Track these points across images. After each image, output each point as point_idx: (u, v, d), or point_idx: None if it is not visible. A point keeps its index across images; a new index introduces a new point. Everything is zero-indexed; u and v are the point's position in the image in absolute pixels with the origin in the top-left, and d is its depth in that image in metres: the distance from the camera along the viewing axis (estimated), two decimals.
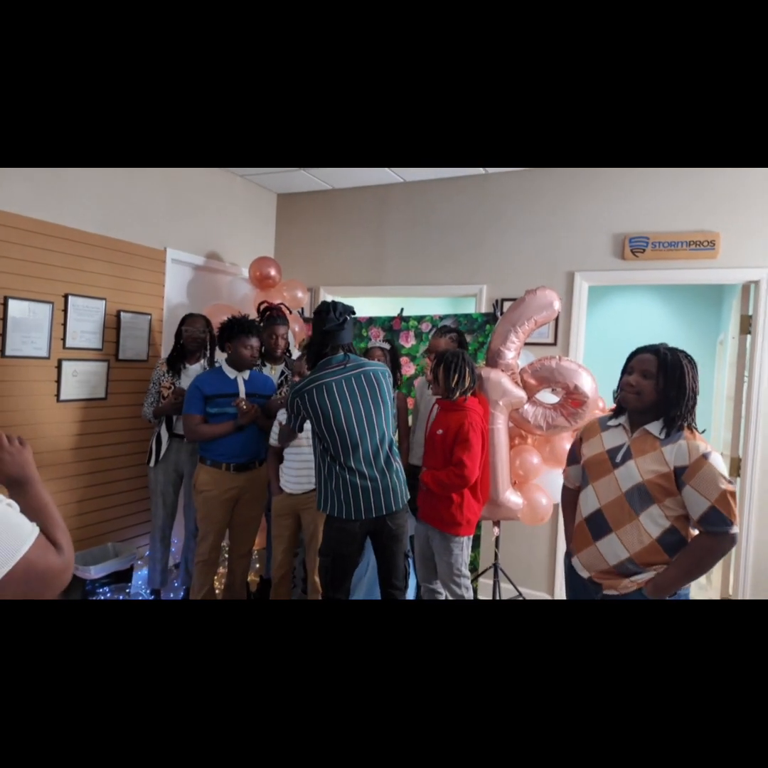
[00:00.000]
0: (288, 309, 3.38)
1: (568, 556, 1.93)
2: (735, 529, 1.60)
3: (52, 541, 0.97)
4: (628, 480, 1.69)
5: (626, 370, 1.78)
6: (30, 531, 0.92)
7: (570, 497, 2.00)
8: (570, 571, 1.92)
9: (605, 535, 1.74)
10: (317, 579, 2.69)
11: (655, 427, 1.70)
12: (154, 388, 3.09)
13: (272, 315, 3.26)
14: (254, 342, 2.83)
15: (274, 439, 2.79)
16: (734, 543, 1.62)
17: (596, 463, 1.81)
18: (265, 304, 3.32)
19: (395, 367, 3.02)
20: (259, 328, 2.95)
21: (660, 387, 1.68)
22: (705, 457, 1.61)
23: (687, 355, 1.70)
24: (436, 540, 2.51)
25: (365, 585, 2.78)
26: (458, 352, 2.54)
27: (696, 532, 1.68)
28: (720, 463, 1.62)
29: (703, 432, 1.72)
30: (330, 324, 2.21)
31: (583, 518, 1.82)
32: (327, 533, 2.29)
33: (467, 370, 2.45)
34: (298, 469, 2.74)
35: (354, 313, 2.30)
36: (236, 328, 2.81)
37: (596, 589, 1.79)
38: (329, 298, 4.25)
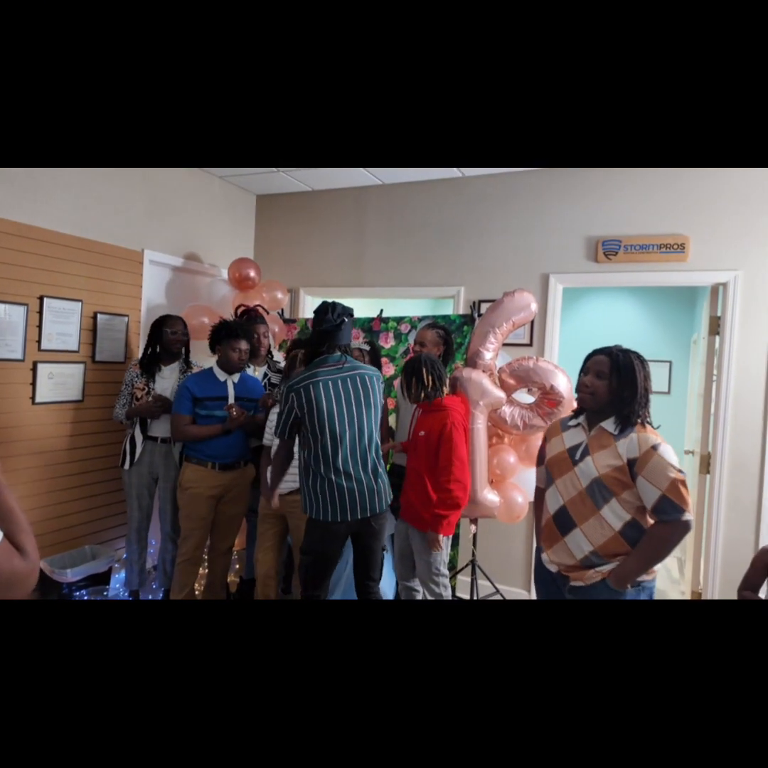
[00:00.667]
0: (265, 310, 3.39)
1: (539, 551, 2.00)
2: (688, 517, 1.67)
3: (16, 546, 0.97)
4: (587, 475, 1.78)
5: (582, 372, 1.87)
6: None
7: (541, 497, 2.06)
8: (539, 566, 1.98)
9: (571, 531, 1.81)
10: None
11: (609, 424, 1.79)
12: (126, 390, 3.07)
13: (250, 316, 3.27)
14: (243, 345, 2.88)
15: (267, 438, 2.79)
16: (689, 529, 1.70)
17: (558, 461, 1.89)
18: (242, 308, 3.33)
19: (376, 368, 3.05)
20: (248, 330, 2.98)
21: (613, 386, 1.76)
22: (654, 448, 1.70)
23: (638, 356, 1.79)
24: (417, 539, 2.54)
25: (343, 583, 2.80)
26: (418, 356, 2.59)
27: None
28: (670, 454, 1.70)
29: (658, 428, 1.81)
30: (327, 325, 2.23)
31: (550, 516, 1.90)
32: (310, 533, 2.30)
33: (424, 371, 2.48)
34: None
35: (353, 315, 2.32)
36: (224, 331, 2.86)
37: (564, 581, 1.85)
38: (309, 300, 4.27)
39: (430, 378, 2.46)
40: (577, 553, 1.80)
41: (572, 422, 1.92)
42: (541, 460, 2.07)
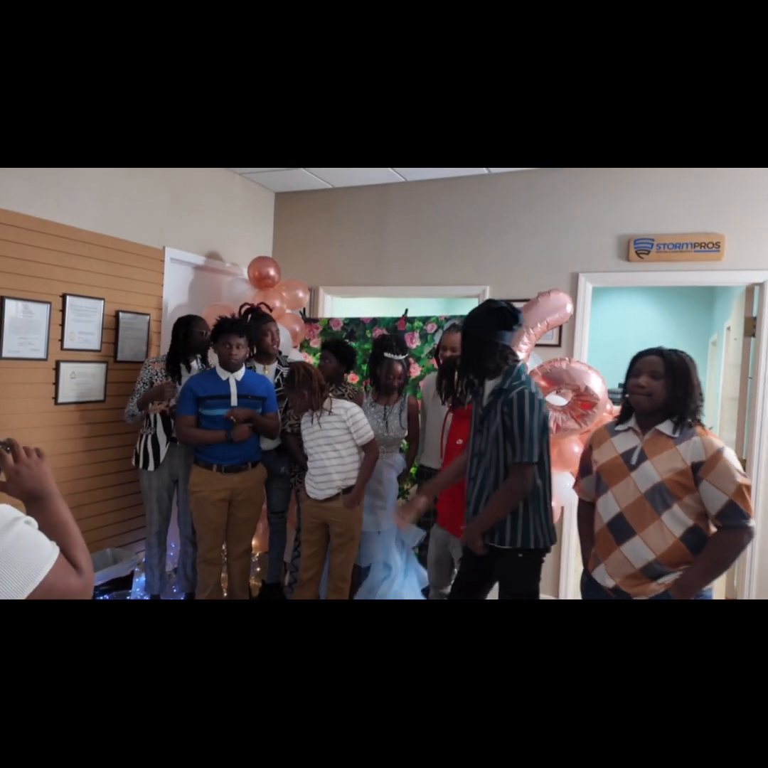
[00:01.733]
0: (268, 307, 3.32)
1: (586, 574, 1.92)
2: (753, 523, 1.63)
3: (71, 562, 0.91)
4: (647, 481, 1.71)
5: (632, 374, 1.79)
6: (50, 552, 0.87)
7: (585, 511, 1.97)
8: (590, 585, 1.88)
9: (629, 538, 1.74)
10: (341, 582, 2.70)
11: (666, 427, 1.72)
12: (142, 389, 3.00)
13: (258, 314, 3.20)
14: (237, 340, 2.81)
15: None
16: (752, 537, 1.65)
17: (611, 467, 1.81)
18: (246, 306, 3.26)
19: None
20: (244, 326, 2.92)
21: (669, 386, 1.72)
22: (720, 452, 1.64)
23: (688, 355, 1.76)
24: (459, 548, 2.46)
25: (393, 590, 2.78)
26: (457, 357, 2.50)
27: (714, 529, 1.70)
28: (734, 458, 1.67)
29: (710, 428, 1.76)
30: (519, 328, 2.08)
31: (604, 524, 1.82)
32: (529, 569, 2.06)
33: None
34: (317, 475, 2.69)
35: None
36: (218, 329, 2.83)
37: (623, 598, 1.76)
38: (329, 299, 4.21)
39: (477, 382, 2.38)
40: (637, 562, 1.72)
41: (620, 427, 1.85)
42: (585, 470, 1.97)
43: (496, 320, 2.02)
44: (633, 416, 1.82)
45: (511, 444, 1.96)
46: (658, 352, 1.77)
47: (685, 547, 1.68)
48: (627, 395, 1.81)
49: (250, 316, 3.20)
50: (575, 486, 2.06)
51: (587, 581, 1.91)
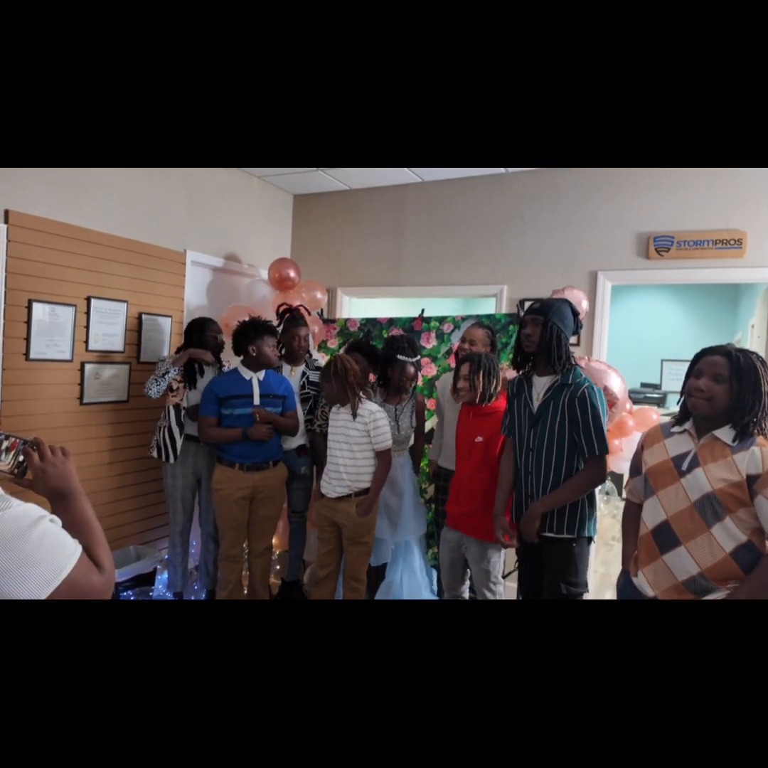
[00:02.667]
0: (307, 310, 3.36)
1: (625, 575, 1.85)
2: None
3: (93, 560, 0.93)
4: (697, 489, 1.59)
5: (693, 374, 1.65)
6: (73, 550, 0.88)
7: (633, 513, 1.88)
8: (628, 590, 1.80)
9: (674, 548, 1.64)
10: (354, 582, 2.71)
11: (725, 433, 1.58)
12: (164, 368, 2.96)
13: (293, 316, 3.25)
14: (274, 341, 2.90)
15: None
16: None
17: (660, 471, 1.70)
18: (284, 306, 3.31)
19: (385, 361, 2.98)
20: (275, 328, 3.00)
21: (733, 392, 1.56)
22: None
23: (759, 356, 1.58)
24: (473, 547, 2.47)
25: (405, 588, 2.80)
26: (491, 355, 2.52)
27: None
28: None
29: None
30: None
31: (648, 530, 1.72)
32: (581, 564, 2.13)
33: (493, 371, 2.42)
34: (330, 472, 2.73)
35: None
36: (261, 328, 2.86)
37: None
38: (346, 300, 4.23)
39: (494, 380, 2.39)
40: (681, 574, 1.62)
41: (676, 428, 1.71)
42: (635, 470, 1.87)
43: (573, 323, 2.16)
44: (691, 418, 1.69)
45: (586, 437, 2.04)
46: (725, 352, 1.59)
47: (734, 563, 1.55)
48: (686, 396, 1.67)
49: (286, 315, 3.26)
50: (625, 484, 1.99)
51: (624, 584, 1.84)
